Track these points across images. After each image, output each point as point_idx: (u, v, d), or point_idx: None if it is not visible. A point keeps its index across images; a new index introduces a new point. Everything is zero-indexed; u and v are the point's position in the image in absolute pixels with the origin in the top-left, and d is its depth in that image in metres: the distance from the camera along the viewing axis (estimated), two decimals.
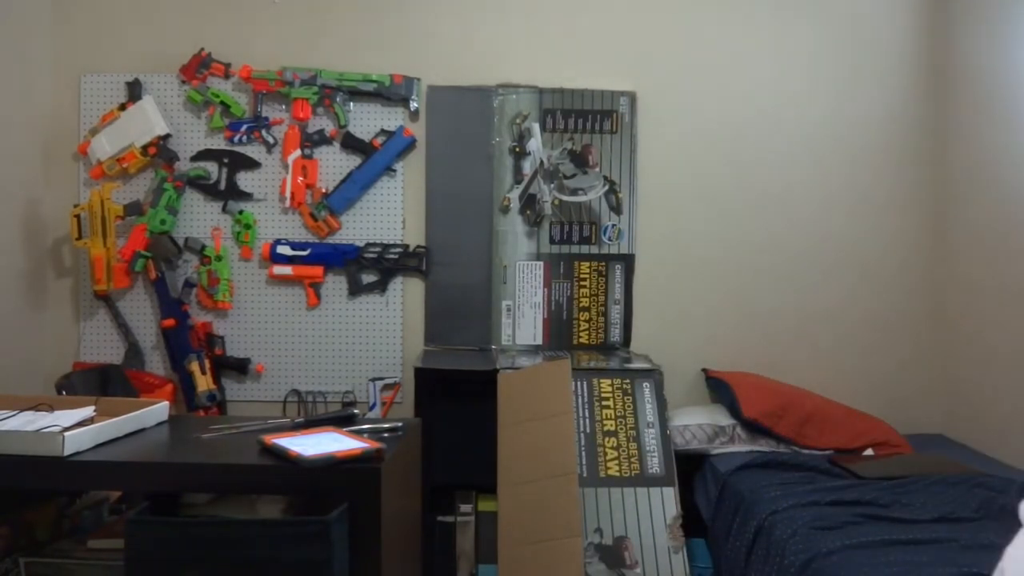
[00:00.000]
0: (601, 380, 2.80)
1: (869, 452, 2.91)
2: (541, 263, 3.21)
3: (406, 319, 3.20)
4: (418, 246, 3.19)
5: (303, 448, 1.53)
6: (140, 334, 3.15)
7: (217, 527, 1.47)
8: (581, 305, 3.22)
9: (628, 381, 2.81)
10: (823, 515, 2.28)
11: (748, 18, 3.25)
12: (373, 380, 3.16)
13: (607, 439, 2.71)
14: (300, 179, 3.13)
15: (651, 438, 2.72)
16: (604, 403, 2.77)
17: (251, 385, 3.18)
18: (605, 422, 2.74)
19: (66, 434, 1.53)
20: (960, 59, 3.17)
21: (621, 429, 2.73)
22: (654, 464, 2.67)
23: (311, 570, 1.41)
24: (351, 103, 3.16)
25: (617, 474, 2.65)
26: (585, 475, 2.61)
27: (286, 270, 3.14)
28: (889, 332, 3.28)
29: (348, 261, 3.16)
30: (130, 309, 3.16)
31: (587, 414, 2.74)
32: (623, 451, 2.69)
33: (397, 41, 3.20)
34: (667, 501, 2.61)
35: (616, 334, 3.22)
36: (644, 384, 2.81)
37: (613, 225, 3.22)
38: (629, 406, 2.77)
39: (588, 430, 2.71)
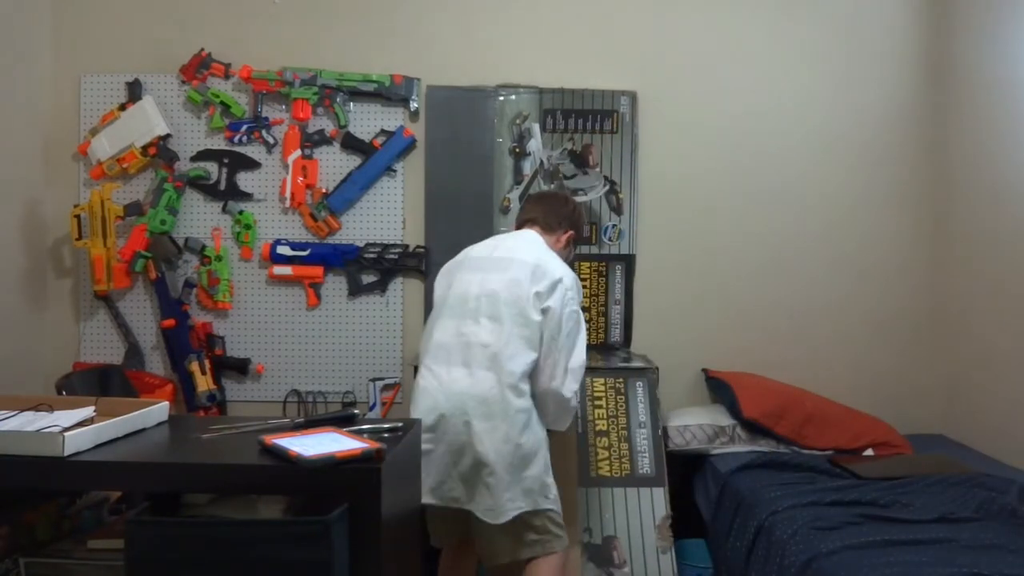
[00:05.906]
0: (594, 379, 2.79)
1: (869, 452, 2.91)
2: None
3: (406, 319, 3.19)
4: (418, 246, 3.19)
5: (303, 448, 1.52)
6: (140, 334, 3.15)
7: (217, 527, 1.47)
8: (581, 305, 3.20)
9: (621, 380, 2.81)
10: (823, 515, 2.28)
11: (748, 18, 3.25)
12: (373, 380, 3.15)
13: (598, 439, 2.71)
14: (300, 179, 3.13)
15: (643, 438, 2.72)
16: (596, 402, 2.76)
17: (251, 385, 3.18)
18: (597, 422, 2.73)
19: (66, 434, 1.53)
20: (960, 58, 3.17)
21: (613, 429, 2.72)
22: (645, 464, 2.67)
23: (311, 570, 1.41)
24: (351, 103, 3.16)
25: (608, 474, 2.65)
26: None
27: (286, 270, 3.14)
28: (889, 332, 3.28)
29: (348, 261, 3.16)
30: (130, 309, 3.16)
31: (580, 414, 2.73)
32: (614, 451, 2.69)
33: (397, 41, 3.20)
34: (657, 501, 2.61)
35: (616, 334, 3.21)
36: (637, 383, 2.81)
37: (613, 225, 3.22)
38: (622, 405, 2.76)
39: (580, 430, 2.70)
